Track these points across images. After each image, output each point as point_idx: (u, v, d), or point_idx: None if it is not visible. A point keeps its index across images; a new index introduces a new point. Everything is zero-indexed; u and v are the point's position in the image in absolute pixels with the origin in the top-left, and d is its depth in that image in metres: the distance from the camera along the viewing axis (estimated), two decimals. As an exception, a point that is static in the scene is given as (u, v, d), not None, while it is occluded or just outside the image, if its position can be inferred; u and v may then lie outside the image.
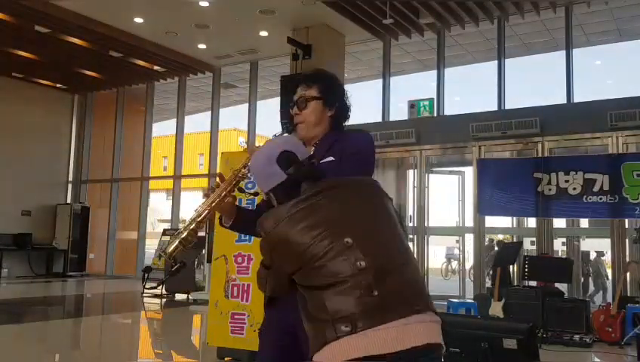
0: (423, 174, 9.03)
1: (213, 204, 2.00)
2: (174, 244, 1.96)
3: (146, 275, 10.08)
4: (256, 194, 2.20)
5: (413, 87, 12.48)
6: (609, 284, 9.28)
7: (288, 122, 2.15)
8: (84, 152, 14.65)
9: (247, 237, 4.43)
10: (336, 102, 2.14)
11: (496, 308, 6.65)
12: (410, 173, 9.82)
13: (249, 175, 2.01)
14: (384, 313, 1.50)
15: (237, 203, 2.12)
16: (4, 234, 12.61)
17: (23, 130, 13.28)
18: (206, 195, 2.03)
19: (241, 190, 2.09)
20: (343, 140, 2.06)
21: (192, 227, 1.98)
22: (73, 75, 12.85)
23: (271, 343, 2.05)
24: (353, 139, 2.09)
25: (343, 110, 2.17)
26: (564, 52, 8.88)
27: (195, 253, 9.67)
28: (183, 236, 1.97)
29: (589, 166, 7.20)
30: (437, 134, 8.93)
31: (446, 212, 10.16)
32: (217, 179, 2.07)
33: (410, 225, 9.45)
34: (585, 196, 7.12)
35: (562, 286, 7.36)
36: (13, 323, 7.62)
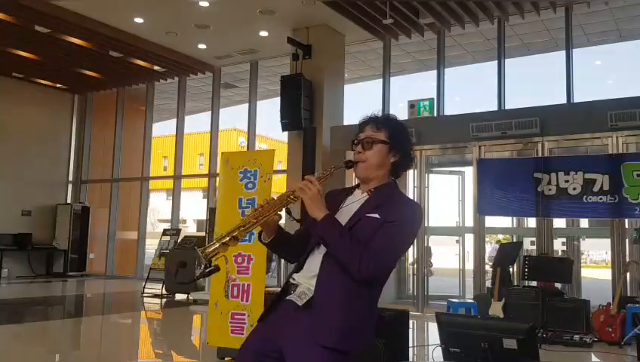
0: (423, 174, 9.03)
1: (261, 217, 2.03)
2: (215, 246, 1.97)
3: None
4: (299, 221, 2.26)
5: (413, 87, 12.49)
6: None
7: (350, 161, 2.18)
8: (84, 152, 14.66)
9: (248, 237, 4.43)
10: (401, 150, 2.21)
11: (496, 308, 6.66)
12: (410, 173, 9.79)
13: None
14: None
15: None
16: (4, 234, 12.61)
17: (23, 130, 13.29)
18: (255, 209, 2.06)
19: (288, 211, 2.12)
20: (396, 203, 2.11)
21: (235, 234, 1.98)
22: (73, 75, 12.86)
23: (252, 357, 2.08)
24: (405, 207, 2.12)
25: (406, 159, 2.25)
26: (564, 52, 8.88)
27: (195, 253, 9.66)
28: (225, 241, 1.98)
29: (589, 166, 7.20)
30: (437, 134, 8.93)
31: (446, 212, 10.16)
32: (267, 198, 2.13)
33: (410, 225, 9.44)
34: (585, 196, 7.12)
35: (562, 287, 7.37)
36: (13, 323, 7.63)
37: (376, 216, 2.04)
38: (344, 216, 2.10)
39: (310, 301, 2.01)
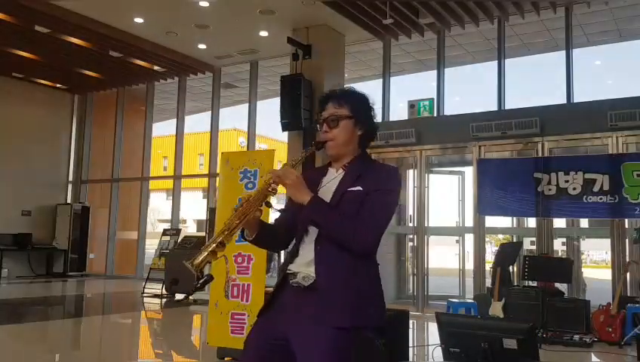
0: (423, 174, 9.02)
1: (244, 217, 2.01)
2: (203, 256, 1.95)
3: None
4: (283, 210, 2.26)
5: (413, 87, 12.50)
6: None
7: (319, 142, 2.17)
8: (84, 152, 14.66)
9: (247, 237, 4.43)
10: (366, 121, 2.19)
11: (496, 308, 6.66)
12: (410, 173, 9.81)
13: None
14: None
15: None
16: (4, 234, 12.61)
17: (23, 130, 13.29)
18: (236, 209, 2.04)
19: (268, 204, 2.10)
20: (374, 172, 2.13)
21: (219, 240, 1.97)
22: (73, 75, 12.86)
23: (256, 352, 2.09)
24: (385, 173, 2.15)
25: (372, 130, 2.23)
26: (564, 52, 8.87)
27: (195, 253, 9.68)
28: (212, 248, 1.96)
29: (589, 166, 7.20)
30: (437, 134, 8.93)
31: (446, 212, 10.16)
32: (244, 195, 2.12)
33: (410, 225, 9.45)
34: (585, 196, 7.12)
35: (562, 287, 7.37)
36: (13, 323, 7.62)
37: (359, 188, 2.06)
38: (325, 195, 2.09)
39: (314, 284, 2.02)
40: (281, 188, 2.07)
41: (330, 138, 2.15)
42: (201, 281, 2.05)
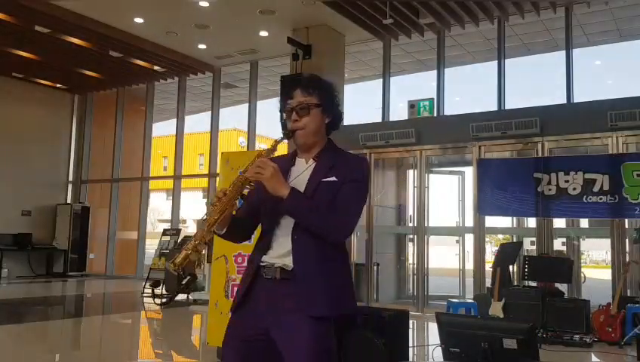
0: (423, 174, 9.02)
1: (223, 212, 2.01)
2: (184, 254, 1.94)
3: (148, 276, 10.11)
4: (246, 202, 2.25)
5: (413, 87, 12.50)
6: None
7: (290, 131, 2.15)
8: (84, 152, 14.66)
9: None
10: (333, 110, 2.19)
11: (496, 308, 6.66)
12: (410, 173, 9.82)
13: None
14: None
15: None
16: (4, 234, 12.62)
17: (23, 130, 13.29)
18: (213, 204, 2.03)
19: (243, 196, 2.09)
20: (346, 162, 2.14)
21: (203, 236, 1.97)
22: (73, 75, 12.86)
23: (235, 353, 2.10)
24: (357, 163, 2.16)
25: (338, 118, 2.23)
26: (564, 52, 8.88)
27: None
28: (195, 244, 1.96)
29: (589, 166, 7.20)
30: (437, 134, 8.93)
31: (446, 212, 10.16)
32: (219, 189, 2.08)
33: (410, 225, 9.45)
34: (585, 196, 7.12)
35: (562, 287, 7.37)
36: (13, 323, 7.63)
37: (334, 178, 2.07)
38: (299, 186, 2.08)
39: (290, 275, 2.02)
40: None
41: (301, 127, 2.13)
42: (184, 282, 2.06)
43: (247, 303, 2.10)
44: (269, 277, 2.06)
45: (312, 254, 2.03)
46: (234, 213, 2.10)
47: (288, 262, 2.03)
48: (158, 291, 9.81)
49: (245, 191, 2.07)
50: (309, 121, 2.13)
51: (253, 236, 2.28)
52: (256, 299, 2.08)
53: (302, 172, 2.14)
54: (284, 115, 2.18)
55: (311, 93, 2.15)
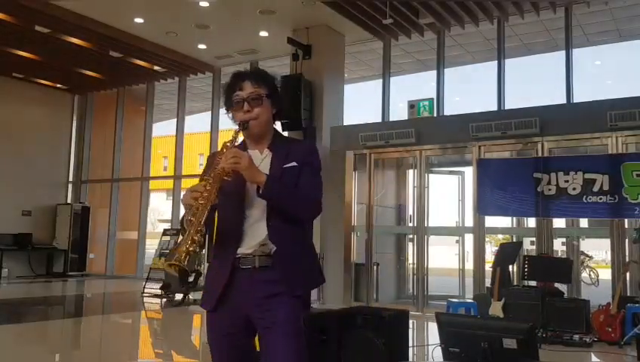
0: (423, 174, 9.02)
1: (208, 202, 2.01)
2: (184, 247, 1.94)
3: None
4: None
5: (413, 87, 12.48)
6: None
7: (244, 122, 2.17)
8: (84, 152, 14.66)
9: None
10: (279, 101, 2.26)
11: (496, 308, 6.66)
12: (410, 173, 9.81)
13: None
14: None
15: None
16: (4, 234, 12.62)
17: (23, 130, 13.29)
18: (201, 193, 2.02)
19: (220, 189, 2.10)
20: (299, 148, 2.24)
21: (196, 227, 1.96)
22: (73, 75, 12.86)
23: (227, 348, 2.19)
24: (310, 148, 2.28)
25: (283, 109, 2.31)
26: (564, 52, 8.88)
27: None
28: (191, 233, 1.95)
29: (588, 166, 7.20)
30: (437, 134, 8.93)
31: (446, 212, 10.15)
32: (198, 186, 2.07)
33: (410, 225, 9.45)
34: (585, 196, 7.12)
35: (562, 287, 7.37)
36: (13, 323, 7.63)
37: (294, 163, 2.16)
38: None
39: (269, 262, 2.09)
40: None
41: (255, 117, 2.17)
42: (191, 279, 2.07)
43: (226, 298, 2.12)
44: (247, 267, 2.09)
45: (287, 239, 2.12)
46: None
47: (265, 250, 2.09)
48: (158, 291, 9.82)
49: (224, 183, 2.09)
50: (262, 112, 2.18)
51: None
52: (234, 291, 2.11)
53: (261, 161, 2.18)
54: (232, 108, 2.22)
55: (260, 83, 2.20)
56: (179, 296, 9.69)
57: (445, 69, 9.87)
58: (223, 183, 2.05)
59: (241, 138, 2.25)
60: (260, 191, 2.06)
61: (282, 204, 2.10)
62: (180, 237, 2.05)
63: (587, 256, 7.38)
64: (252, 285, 2.08)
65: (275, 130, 2.29)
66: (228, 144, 2.13)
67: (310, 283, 2.22)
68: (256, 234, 2.11)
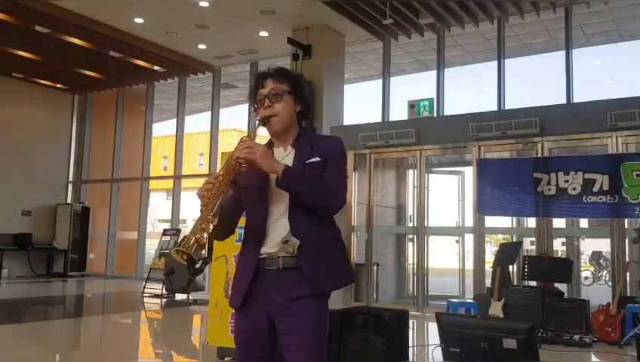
0: (423, 174, 9.02)
1: (220, 193, 1.97)
2: (194, 237, 1.88)
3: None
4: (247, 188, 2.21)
5: (413, 87, 12.47)
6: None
7: (265, 118, 2.15)
8: (84, 152, 14.67)
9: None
10: (304, 99, 2.22)
11: (496, 308, 6.66)
12: (410, 173, 9.82)
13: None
14: None
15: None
16: (4, 234, 12.62)
17: (23, 130, 13.30)
18: (208, 189, 1.98)
19: (234, 183, 2.05)
20: (323, 143, 2.20)
21: (208, 217, 1.93)
22: (73, 75, 12.86)
23: (253, 347, 2.12)
24: (334, 143, 2.21)
25: (309, 107, 2.27)
26: (563, 52, 8.88)
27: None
28: (202, 226, 1.91)
29: (588, 166, 7.20)
30: (437, 134, 8.93)
31: (446, 212, 10.15)
32: (211, 177, 2.05)
33: (410, 225, 9.46)
34: (585, 196, 7.12)
35: (562, 286, 7.37)
36: (13, 323, 7.63)
37: (317, 158, 2.12)
38: None
39: (294, 262, 2.05)
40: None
41: (275, 113, 2.14)
42: (198, 266, 2.03)
43: (251, 297, 2.09)
44: (271, 268, 2.07)
45: (311, 232, 2.07)
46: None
47: (289, 248, 2.05)
48: (158, 291, 9.82)
49: (236, 175, 2.03)
50: (283, 108, 2.15)
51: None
52: (259, 291, 2.08)
53: (283, 158, 2.15)
54: (256, 106, 2.19)
55: (282, 80, 2.17)
56: (179, 296, 9.71)
57: (445, 69, 9.87)
58: (238, 176, 2.02)
59: (259, 137, 2.24)
60: (279, 181, 2.01)
61: (302, 194, 2.04)
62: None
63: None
64: (276, 286, 2.05)
65: (302, 128, 2.24)
66: (245, 138, 2.11)
67: (339, 281, 2.15)
68: (279, 231, 2.07)
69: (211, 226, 1.92)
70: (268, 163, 2.02)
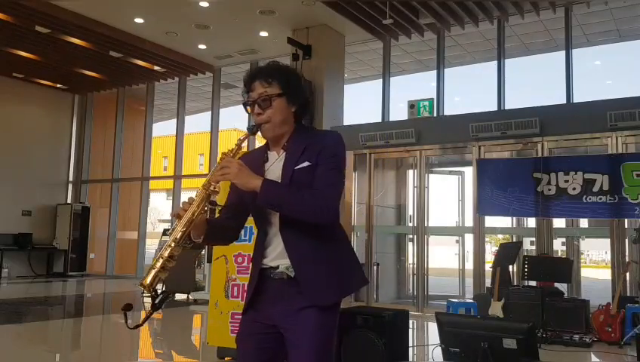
0: (423, 174, 9.03)
1: (189, 223, 1.91)
2: (152, 274, 1.88)
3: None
4: (226, 206, 2.17)
5: (413, 87, 12.49)
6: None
7: (254, 126, 2.04)
8: (84, 152, 14.67)
9: (247, 236, 4.43)
10: (299, 97, 2.06)
11: (496, 308, 6.66)
12: (410, 173, 9.82)
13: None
14: None
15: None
16: (4, 234, 12.62)
17: (23, 130, 13.30)
18: (178, 216, 1.92)
19: (213, 203, 2.01)
20: (317, 142, 2.02)
21: (169, 253, 1.89)
22: (73, 75, 12.86)
23: (252, 348, 2.08)
24: (328, 140, 2.04)
25: (305, 105, 2.11)
26: (563, 52, 8.88)
27: (195, 253, 9.68)
28: (161, 264, 1.88)
29: (588, 166, 7.21)
30: (437, 134, 8.93)
31: (446, 212, 10.16)
32: (187, 200, 1.97)
33: (410, 225, 9.46)
34: (584, 196, 7.12)
35: (562, 286, 7.37)
36: (13, 323, 7.62)
37: (306, 163, 1.97)
38: (273, 178, 2.00)
39: (294, 274, 1.98)
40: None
41: (266, 120, 2.02)
42: (158, 301, 2.00)
43: (256, 304, 2.08)
44: (274, 278, 2.03)
45: (307, 247, 1.96)
46: (209, 217, 2.02)
47: (288, 262, 1.99)
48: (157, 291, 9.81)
49: (214, 196, 1.96)
50: (274, 113, 2.01)
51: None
52: (263, 300, 2.06)
53: (272, 164, 2.06)
54: (247, 109, 2.09)
55: (270, 82, 2.01)
56: (179, 296, 9.71)
57: (445, 69, 9.88)
58: (214, 196, 1.95)
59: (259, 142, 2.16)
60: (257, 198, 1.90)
61: (284, 208, 1.92)
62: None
63: None
64: (278, 296, 2.01)
65: (298, 125, 2.09)
66: (227, 153, 2.00)
67: (339, 291, 2.01)
68: (276, 245, 2.01)
69: (174, 258, 1.88)
70: (244, 181, 1.90)
